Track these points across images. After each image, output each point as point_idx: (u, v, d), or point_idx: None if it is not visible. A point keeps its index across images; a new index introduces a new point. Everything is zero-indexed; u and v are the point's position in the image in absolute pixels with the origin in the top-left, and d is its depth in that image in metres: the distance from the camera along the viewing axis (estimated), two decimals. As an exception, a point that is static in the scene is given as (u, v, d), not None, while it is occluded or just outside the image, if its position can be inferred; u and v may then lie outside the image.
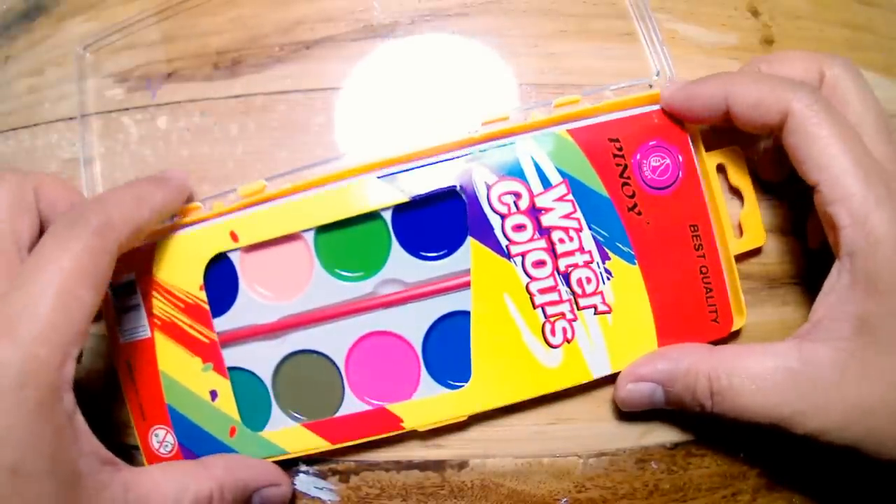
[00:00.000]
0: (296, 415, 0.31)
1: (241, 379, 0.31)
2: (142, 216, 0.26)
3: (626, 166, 0.30)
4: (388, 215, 0.30)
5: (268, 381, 0.31)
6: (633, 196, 0.30)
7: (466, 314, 0.30)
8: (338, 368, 0.31)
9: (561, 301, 0.29)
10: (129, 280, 0.31)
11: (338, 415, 0.30)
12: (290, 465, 0.32)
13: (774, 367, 0.26)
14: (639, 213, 0.30)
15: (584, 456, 0.31)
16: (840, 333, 0.25)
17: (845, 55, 0.28)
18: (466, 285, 0.30)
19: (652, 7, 0.32)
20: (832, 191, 0.25)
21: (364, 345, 0.31)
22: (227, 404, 0.30)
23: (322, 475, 0.32)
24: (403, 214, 0.30)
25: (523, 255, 0.29)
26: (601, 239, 0.29)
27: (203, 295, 0.30)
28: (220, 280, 0.31)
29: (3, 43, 0.36)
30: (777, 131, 0.26)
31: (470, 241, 0.29)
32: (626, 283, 0.30)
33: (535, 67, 0.33)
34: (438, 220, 0.30)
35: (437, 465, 0.31)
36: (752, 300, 0.32)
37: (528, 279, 0.29)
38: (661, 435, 0.31)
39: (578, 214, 0.29)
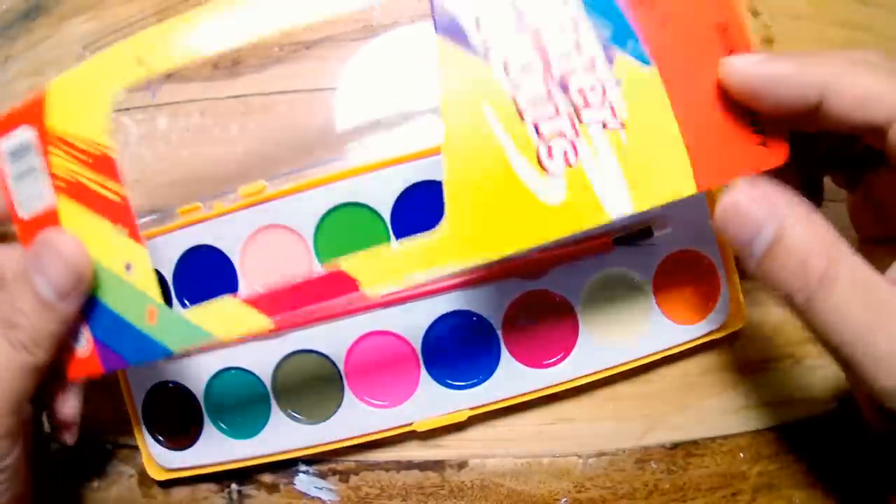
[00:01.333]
0: (295, 415, 0.31)
1: (240, 379, 0.31)
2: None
3: None
4: (387, 214, 0.30)
5: (267, 381, 0.31)
6: None
7: (465, 313, 0.30)
8: (337, 368, 0.31)
9: (557, 115, 0.22)
10: (25, 139, 0.25)
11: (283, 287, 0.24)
12: (289, 466, 0.32)
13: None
14: (650, 7, 0.22)
15: (583, 456, 0.31)
16: None
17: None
18: (466, 284, 0.30)
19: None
20: None
21: (364, 344, 0.31)
22: (145, 279, 0.24)
23: (322, 475, 0.32)
24: (402, 213, 0.30)
25: (505, 57, 0.22)
26: (605, 34, 0.22)
27: (109, 141, 0.24)
28: (220, 280, 0.31)
29: (3, 43, 0.36)
30: (882, 132, 0.21)
31: (437, 42, 0.22)
32: (642, 90, 0.22)
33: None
34: (438, 219, 0.30)
35: (437, 465, 0.31)
36: (751, 300, 0.32)
37: (512, 88, 0.22)
38: (661, 435, 0.31)
39: (575, 4, 0.22)
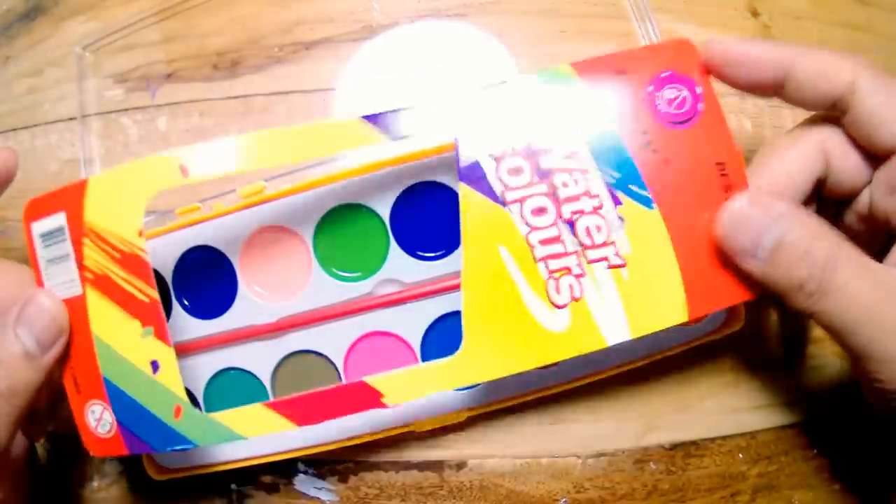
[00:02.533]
0: None
1: (240, 379, 0.31)
2: None
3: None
4: (385, 215, 0.30)
5: (266, 382, 0.31)
6: (646, 133, 0.25)
7: None
8: (336, 369, 0.31)
9: (566, 254, 0.25)
10: (59, 225, 0.26)
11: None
12: (289, 466, 0.32)
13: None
14: (654, 152, 0.25)
15: (582, 456, 0.31)
16: None
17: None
18: None
19: (651, 7, 0.32)
20: None
21: (362, 345, 0.31)
22: (171, 378, 0.26)
23: (321, 475, 0.32)
24: (401, 214, 0.30)
25: (521, 201, 0.25)
26: (611, 181, 0.25)
27: (142, 244, 0.26)
28: (219, 280, 0.31)
29: (3, 43, 0.36)
30: (842, 100, 0.24)
31: (460, 188, 0.25)
32: (644, 231, 0.25)
33: (535, 67, 0.33)
34: (436, 220, 0.30)
35: (436, 466, 0.31)
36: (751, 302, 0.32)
37: (527, 229, 0.25)
38: (660, 435, 0.31)
39: (584, 154, 0.25)
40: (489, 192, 0.25)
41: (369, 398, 0.26)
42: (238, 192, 0.31)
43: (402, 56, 0.33)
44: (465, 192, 0.25)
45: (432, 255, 0.31)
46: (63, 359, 0.27)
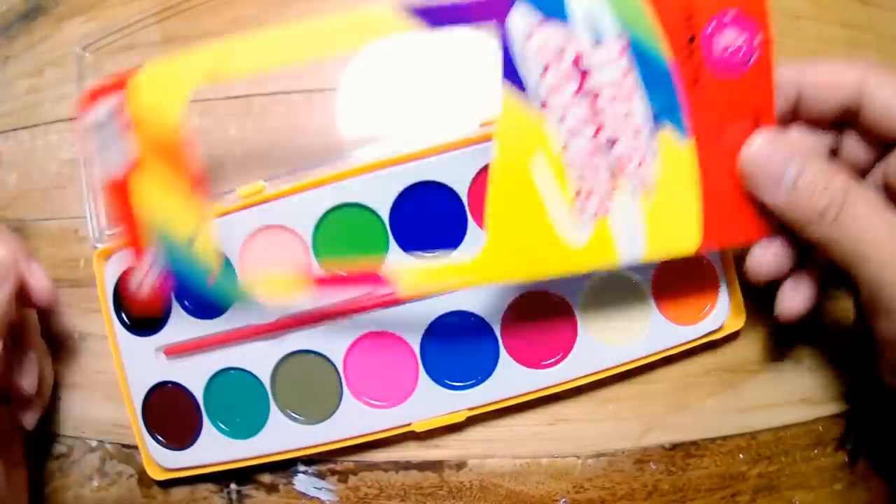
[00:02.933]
0: (294, 415, 0.31)
1: (240, 379, 0.31)
2: None
3: (693, 38, 0.25)
4: (385, 215, 0.30)
5: (266, 381, 0.31)
6: (697, 71, 0.25)
7: (464, 314, 0.30)
8: (336, 368, 0.31)
9: (598, 172, 0.26)
10: (108, 111, 0.27)
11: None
12: (288, 466, 0.32)
13: None
14: (698, 92, 0.25)
15: (582, 456, 0.31)
16: None
17: (845, 55, 0.28)
18: (465, 284, 0.30)
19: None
20: None
21: (362, 345, 0.31)
22: (208, 248, 0.28)
23: (321, 475, 0.32)
24: (401, 213, 0.30)
25: (563, 113, 0.25)
26: (654, 109, 0.25)
27: (185, 129, 0.26)
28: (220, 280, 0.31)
29: (3, 43, 0.36)
30: (850, 105, 0.25)
31: (503, 87, 0.25)
32: (675, 162, 0.26)
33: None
34: (436, 219, 0.30)
35: (436, 466, 0.31)
36: (751, 300, 0.32)
37: (565, 140, 0.25)
38: (661, 435, 0.31)
39: (633, 78, 0.25)
40: (532, 97, 0.25)
41: (383, 281, 0.27)
42: (237, 192, 0.31)
43: (403, 56, 0.33)
44: (507, 92, 0.25)
45: (432, 254, 0.31)
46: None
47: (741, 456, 0.32)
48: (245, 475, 0.32)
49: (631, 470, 0.31)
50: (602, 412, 0.31)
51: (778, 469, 0.32)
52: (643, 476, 0.31)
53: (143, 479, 0.32)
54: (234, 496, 0.32)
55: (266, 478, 0.32)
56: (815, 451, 0.32)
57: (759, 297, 0.32)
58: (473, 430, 0.31)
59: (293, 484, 0.32)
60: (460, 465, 0.31)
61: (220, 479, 0.32)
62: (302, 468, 0.32)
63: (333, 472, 0.32)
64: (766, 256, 0.26)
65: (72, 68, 0.34)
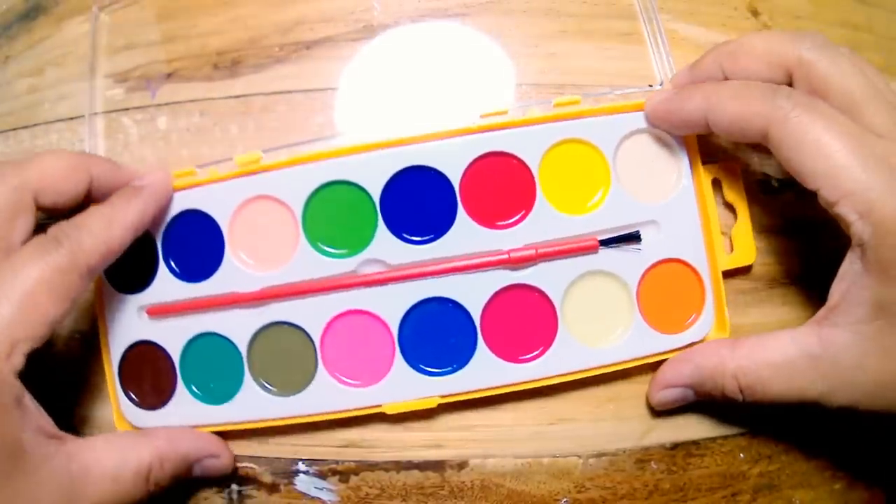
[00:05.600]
0: (267, 385, 0.31)
1: (217, 345, 0.31)
2: (112, 238, 0.28)
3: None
4: (376, 195, 0.30)
5: (242, 350, 0.31)
6: None
7: (445, 301, 0.30)
8: (313, 343, 0.31)
9: None
10: None
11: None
12: (289, 466, 0.32)
13: (797, 355, 0.26)
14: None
15: (583, 456, 0.31)
16: (857, 318, 0.25)
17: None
18: (448, 271, 0.30)
19: (652, 7, 0.32)
20: (832, 193, 0.25)
21: (341, 322, 0.31)
22: None
23: (322, 475, 0.32)
24: (392, 196, 0.30)
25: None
26: None
27: None
28: (207, 245, 0.31)
29: (3, 43, 0.36)
30: (765, 143, 0.26)
31: None
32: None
33: (535, 67, 0.33)
34: (427, 205, 0.30)
35: (437, 466, 0.31)
36: (751, 300, 0.32)
37: None
38: (661, 435, 0.31)
39: None
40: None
41: None
42: (235, 160, 0.31)
43: (403, 56, 0.33)
44: None
45: (419, 238, 0.31)
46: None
47: (742, 455, 0.32)
48: (245, 475, 0.32)
49: (632, 469, 0.31)
50: (603, 412, 0.31)
51: (778, 468, 0.32)
52: (644, 475, 0.31)
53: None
54: (234, 496, 0.32)
55: (267, 478, 0.32)
56: (816, 450, 0.32)
57: (759, 297, 0.32)
58: (474, 429, 0.31)
59: (294, 484, 0.32)
60: (462, 465, 0.31)
61: (221, 479, 0.32)
62: (303, 468, 0.32)
63: (334, 472, 0.32)
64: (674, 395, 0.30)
65: (72, 68, 0.34)
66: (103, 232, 0.28)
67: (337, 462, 0.32)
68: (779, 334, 0.27)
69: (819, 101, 0.26)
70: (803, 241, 0.32)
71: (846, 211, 0.25)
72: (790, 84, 0.27)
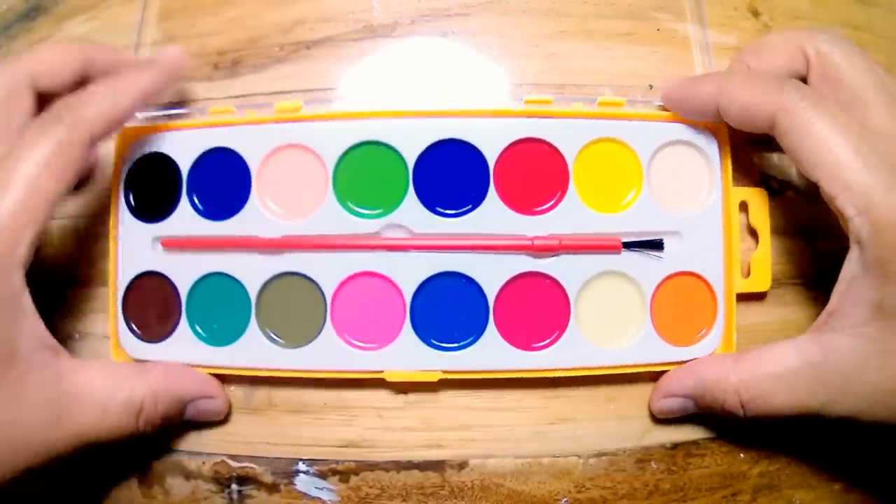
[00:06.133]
0: (272, 335, 0.31)
1: (226, 286, 0.31)
2: (118, 106, 0.27)
3: None
4: (411, 161, 0.30)
5: (252, 295, 0.31)
6: None
7: (462, 277, 0.30)
8: (324, 299, 0.31)
9: None
10: None
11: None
12: (289, 466, 0.32)
13: (799, 365, 0.26)
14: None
15: (584, 456, 0.31)
16: (857, 320, 0.25)
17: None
18: (470, 248, 0.30)
19: (652, 7, 0.32)
20: (832, 185, 0.25)
21: (356, 282, 0.31)
22: None
23: (322, 475, 0.32)
24: (427, 165, 0.30)
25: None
26: None
27: None
28: (234, 185, 0.31)
29: (3, 43, 0.36)
30: (771, 132, 0.26)
31: None
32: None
33: (535, 67, 0.33)
34: (459, 179, 0.30)
35: (438, 466, 0.31)
36: (751, 300, 0.32)
37: None
38: (661, 435, 0.31)
39: None
40: None
41: None
42: (274, 106, 0.31)
43: (404, 57, 0.33)
44: None
45: (447, 211, 0.31)
46: None
47: (742, 455, 0.32)
48: (245, 475, 0.32)
49: (632, 469, 0.31)
50: (603, 411, 0.31)
51: (778, 468, 0.32)
52: (644, 475, 0.31)
53: (144, 479, 0.32)
54: (234, 496, 0.32)
55: (267, 478, 0.32)
56: (816, 450, 0.32)
57: (759, 297, 0.32)
58: (475, 429, 0.31)
59: (294, 484, 0.32)
60: (462, 465, 0.31)
61: (221, 479, 0.32)
62: (303, 468, 0.32)
63: (335, 472, 0.32)
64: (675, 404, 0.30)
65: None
66: (108, 100, 0.27)
67: (337, 462, 0.32)
68: (781, 344, 0.27)
69: (827, 96, 0.26)
70: (803, 241, 0.32)
71: (845, 205, 0.25)
72: (805, 80, 0.28)
